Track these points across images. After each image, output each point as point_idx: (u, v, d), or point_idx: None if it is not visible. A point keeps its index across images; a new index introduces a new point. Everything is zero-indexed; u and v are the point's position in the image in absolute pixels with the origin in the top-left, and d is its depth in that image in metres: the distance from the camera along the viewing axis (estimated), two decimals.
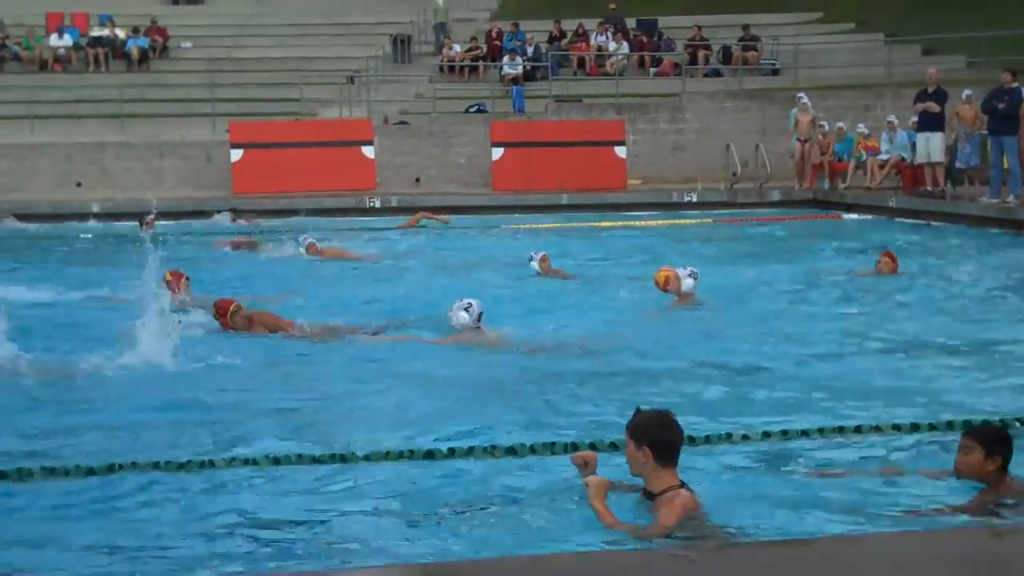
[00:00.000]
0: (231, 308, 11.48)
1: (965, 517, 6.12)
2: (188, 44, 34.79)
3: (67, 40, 33.31)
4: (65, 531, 6.21)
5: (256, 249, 18.61)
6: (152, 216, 20.17)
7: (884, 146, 24.95)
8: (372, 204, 25.47)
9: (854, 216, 23.40)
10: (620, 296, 13.80)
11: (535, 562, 4.86)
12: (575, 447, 7.06)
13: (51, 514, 6.48)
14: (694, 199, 25.61)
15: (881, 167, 24.78)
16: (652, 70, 32.74)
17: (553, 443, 7.38)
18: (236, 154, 27.06)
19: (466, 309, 10.70)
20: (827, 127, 25.63)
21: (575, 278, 15.20)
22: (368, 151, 27.45)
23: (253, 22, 36.66)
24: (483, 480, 6.92)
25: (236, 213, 24.02)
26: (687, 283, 12.33)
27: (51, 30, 33.84)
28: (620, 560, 4.90)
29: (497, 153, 27.52)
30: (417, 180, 28.37)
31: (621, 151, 27.74)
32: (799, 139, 25.75)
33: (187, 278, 13.03)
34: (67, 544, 6.05)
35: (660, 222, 23.08)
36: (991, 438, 6.46)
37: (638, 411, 6.13)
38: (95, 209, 24.49)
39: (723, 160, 26.46)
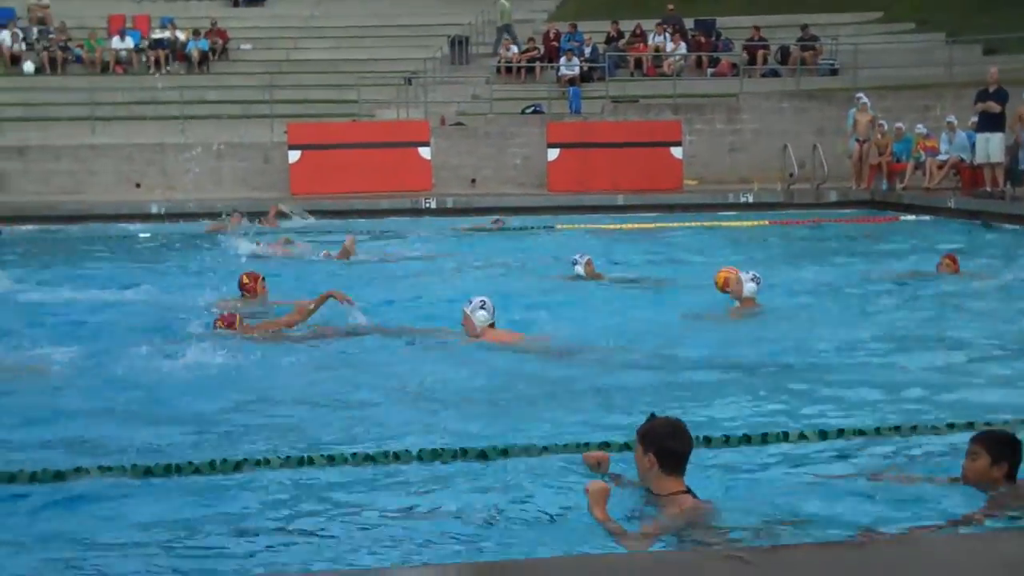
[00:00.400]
0: (236, 322, 11.05)
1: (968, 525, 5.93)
2: (248, 46, 35.11)
3: (128, 42, 33.71)
4: (121, 529, 6.28)
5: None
6: (237, 212, 20.03)
7: (943, 147, 24.72)
8: (428, 205, 25.52)
9: (912, 217, 23.17)
10: (667, 299, 13.67)
11: (585, 562, 4.86)
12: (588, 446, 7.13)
13: (107, 513, 6.55)
14: (750, 200, 25.46)
15: (940, 168, 24.55)
16: (710, 70, 32.61)
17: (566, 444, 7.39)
18: (294, 155, 27.27)
19: (482, 307, 10.68)
20: (886, 127, 25.44)
21: (620, 281, 15.03)
22: (424, 152, 27.53)
23: (312, 24, 36.92)
24: (516, 479, 6.93)
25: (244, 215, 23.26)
26: (749, 287, 12.20)
27: (113, 32, 34.25)
28: (674, 560, 4.89)
29: (553, 154, 27.53)
30: (473, 181, 28.46)
31: (677, 152, 27.63)
32: (857, 139, 25.58)
33: (264, 279, 12.70)
34: (125, 542, 6.12)
35: (716, 223, 22.97)
36: (997, 443, 6.32)
37: (652, 417, 6.20)
38: (154, 210, 24.75)
39: (780, 161, 26.32)
